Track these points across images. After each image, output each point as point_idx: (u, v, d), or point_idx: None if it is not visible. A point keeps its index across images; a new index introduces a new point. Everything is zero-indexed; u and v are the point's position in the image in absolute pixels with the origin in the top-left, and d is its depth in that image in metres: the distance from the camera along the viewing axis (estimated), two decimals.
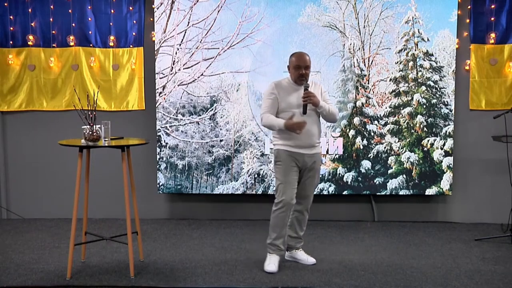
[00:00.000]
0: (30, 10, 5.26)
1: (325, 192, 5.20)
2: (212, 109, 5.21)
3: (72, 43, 5.30)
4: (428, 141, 5.14)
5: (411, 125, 5.14)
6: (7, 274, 3.71)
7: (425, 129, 5.13)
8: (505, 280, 3.61)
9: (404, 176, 5.17)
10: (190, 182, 5.26)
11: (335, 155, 5.19)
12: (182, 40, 5.15)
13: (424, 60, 5.09)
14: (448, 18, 5.05)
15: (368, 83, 5.14)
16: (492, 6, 5.08)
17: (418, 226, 5.16)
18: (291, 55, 3.83)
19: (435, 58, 5.08)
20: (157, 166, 5.25)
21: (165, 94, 5.19)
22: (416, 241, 4.63)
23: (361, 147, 5.17)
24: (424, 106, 5.11)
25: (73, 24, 5.28)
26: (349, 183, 5.20)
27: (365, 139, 5.17)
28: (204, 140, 5.23)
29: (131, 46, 5.31)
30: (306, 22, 5.10)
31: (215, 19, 5.10)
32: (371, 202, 5.36)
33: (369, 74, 5.14)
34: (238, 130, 5.20)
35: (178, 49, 5.16)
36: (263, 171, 5.20)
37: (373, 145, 5.18)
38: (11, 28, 5.31)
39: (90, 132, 3.57)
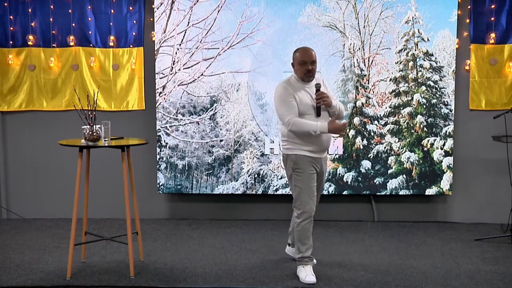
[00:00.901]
0: (30, 10, 5.26)
1: (325, 192, 5.19)
2: (212, 109, 5.20)
3: (72, 43, 5.30)
4: (428, 141, 5.14)
5: (411, 125, 5.14)
6: (7, 274, 3.71)
7: (425, 129, 5.13)
8: (505, 280, 3.62)
9: (404, 176, 5.17)
10: (190, 182, 5.25)
11: (335, 155, 5.19)
12: (182, 40, 5.15)
13: (424, 60, 5.08)
14: (448, 18, 5.04)
15: (368, 83, 5.14)
16: (492, 6, 5.08)
17: (418, 226, 5.16)
18: (295, 50, 3.60)
19: (435, 58, 5.08)
20: (157, 166, 5.25)
21: (165, 94, 5.19)
22: (416, 241, 4.63)
23: (361, 147, 5.17)
24: (424, 106, 5.11)
25: (73, 24, 5.28)
26: (349, 183, 5.20)
27: (365, 139, 5.17)
28: (204, 140, 5.23)
29: (131, 46, 5.31)
30: (306, 22, 5.10)
31: (215, 19, 5.10)
32: (371, 202, 5.36)
33: (369, 74, 5.14)
34: (238, 130, 5.20)
35: (178, 49, 5.16)
36: (263, 171, 5.20)
37: (373, 145, 5.18)
38: (11, 28, 5.31)
39: (90, 132, 3.57)
